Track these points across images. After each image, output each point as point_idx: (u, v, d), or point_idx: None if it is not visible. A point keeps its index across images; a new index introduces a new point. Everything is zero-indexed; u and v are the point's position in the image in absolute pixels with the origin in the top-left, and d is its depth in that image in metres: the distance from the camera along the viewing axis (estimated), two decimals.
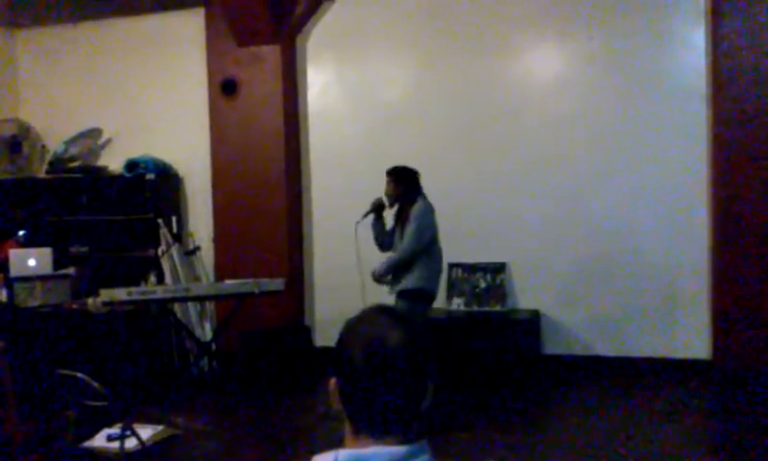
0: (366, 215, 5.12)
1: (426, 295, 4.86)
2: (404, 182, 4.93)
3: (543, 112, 5.90)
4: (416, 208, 4.83)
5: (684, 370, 5.58)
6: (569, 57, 5.90)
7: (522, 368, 5.52)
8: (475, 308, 5.96)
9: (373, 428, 1.28)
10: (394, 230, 5.03)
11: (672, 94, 5.61)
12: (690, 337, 5.62)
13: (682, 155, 5.59)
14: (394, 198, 4.98)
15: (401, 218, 4.93)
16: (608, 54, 5.76)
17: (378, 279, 4.93)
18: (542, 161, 5.91)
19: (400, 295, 4.84)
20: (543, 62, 5.98)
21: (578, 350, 5.88)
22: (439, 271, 4.97)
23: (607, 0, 5.74)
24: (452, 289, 6.05)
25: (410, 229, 4.79)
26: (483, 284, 5.98)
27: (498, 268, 5.96)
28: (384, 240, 5.06)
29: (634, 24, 5.68)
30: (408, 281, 4.80)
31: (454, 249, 6.08)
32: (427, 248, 4.82)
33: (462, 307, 5.99)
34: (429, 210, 4.88)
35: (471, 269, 6.02)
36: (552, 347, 5.92)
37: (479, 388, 5.49)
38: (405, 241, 4.80)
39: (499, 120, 6.01)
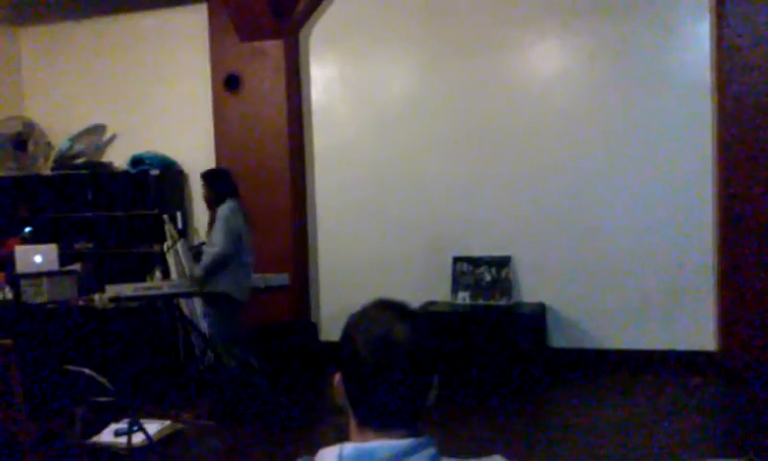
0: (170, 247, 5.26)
1: (233, 301, 4.86)
2: (214, 185, 4.98)
3: (547, 109, 5.89)
4: (221, 208, 4.85)
5: (690, 363, 5.58)
6: (572, 53, 5.88)
7: (528, 362, 5.52)
8: (480, 302, 5.96)
9: (378, 422, 1.28)
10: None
11: (676, 90, 5.58)
12: (695, 330, 5.61)
13: (686, 150, 5.58)
14: (207, 201, 5.04)
15: (210, 221, 4.95)
16: (611, 50, 5.73)
17: (196, 282, 4.91)
18: (546, 157, 5.90)
19: (205, 298, 4.87)
20: (546, 59, 5.96)
21: (584, 343, 5.88)
22: (247, 277, 4.96)
23: None
24: (457, 283, 6.05)
25: (215, 231, 4.80)
26: (488, 278, 5.97)
27: (503, 261, 5.96)
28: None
29: (637, 20, 5.65)
30: (214, 285, 4.81)
31: (459, 243, 6.10)
32: (237, 248, 4.82)
33: (467, 301, 6.00)
34: (236, 211, 4.88)
35: (476, 263, 6.02)
36: (558, 340, 5.92)
37: (484, 382, 5.49)
38: (213, 240, 4.80)
39: (503, 116, 6.00)
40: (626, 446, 4.27)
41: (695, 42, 5.55)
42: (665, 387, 5.31)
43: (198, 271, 4.90)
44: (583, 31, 5.80)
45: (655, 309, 5.69)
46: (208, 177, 5.09)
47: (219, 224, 4.80)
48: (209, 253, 4.81)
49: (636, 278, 5.72)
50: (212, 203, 5.00)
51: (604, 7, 5.73)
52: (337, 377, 1.32)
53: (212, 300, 4.90)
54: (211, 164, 6.55)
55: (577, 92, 5.84)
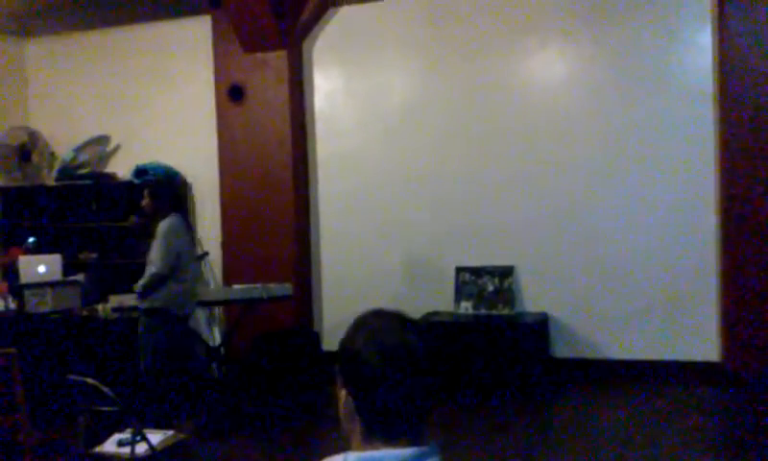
0: None
1: (170, 315, 4.71)
2: (158, 198, 4.79)
3: (549, 115, 5.91)
4: (163, 224, 4.68)
5: (693, 372, 5.57)
6: (574, 59, 5.90)
7: (530, 371, 5.51)
8: (483, 312, 5.96)
9: (388, 432, 1.28)
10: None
11: (678, 95, 5.60)
12: (699, 339, 5.60)
13: (688, 156, 5.58)
14: (147, 213, 4.85)
15: (151, 235, 4.78)
16: (613, 54, 5.76)
17: (139, 299, 4.80)
18: (549, 164, 5.91)
19: (144, 313, 4.73)
20: (548, 65, 5.98)
21: (586, 353, 5.87)
22: (186, 292, 4.80)
23: (611, 1, 5.75)
24: (459, 293, 6.05)
25: (155, 247, 4.66)
26: (491, 288, 5.98)
27: (506, 271, 5.96)
28: None
29: (639, 24, 5.68)
30: (151, 300, 4.69)
31: (462, 253, 6.11)
32: (175, 266, 4.67)
33: (469, 311, 6.00)
34: (177, 228, 4.70)
35: (479, 272, 6.02)
36: (560, 350, 5.91)
37: (487, 391, 5.49)
38: (152, 260, 4.66)
39: (505, 124, 6.02)
40: (627, 457, 4.26)
41: (697, 46, 5.56)
42: (668, 397, 5.30)
43: (137, 289, 4.76)
44: (585, 35, 5.82)
45: (657, 318, 5.69)
46: (152, 188, 4.88)
47: (158, 242, 4.66)
48: (146, 274, 4.68)
49: (639, 286, 5.72)
50: (152, 216, 4.81)
51: (605, 11, 5.76)
52: (343, 394, 1.32)
53: (150, 314, 4.74)
54: (215, 174, 6.59)
55: (579, 97, 5.86)
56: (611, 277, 5.79)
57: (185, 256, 4.78)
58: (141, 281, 4.72)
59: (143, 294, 4.71)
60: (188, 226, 4.97)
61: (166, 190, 4.91)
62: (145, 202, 4.81)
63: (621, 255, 5.76)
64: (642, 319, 5.72)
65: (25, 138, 6.96)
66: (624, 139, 5.74)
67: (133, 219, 4.86)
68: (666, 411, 4.99)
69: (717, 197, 5.52)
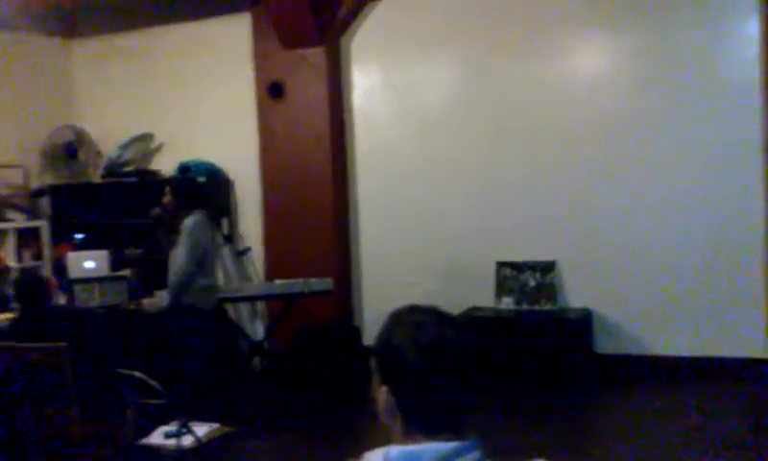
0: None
1: (200, 311, 4.71)
2: (179, 195, 4.75)
3: (591, 110, 5.82)
4: (188, 221, 4.63)
5: (739, 369, 5.44)
6: (616, 53, 5.80)
7: (573, 368, 5.45)
8: (524, 307, 5.91)
9: (429, 426, 1.29)
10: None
11: (724, 87, 5.46)
12: (745, 335, 5.46)
13: (734, 149, 5.45)
14: (169, 210, 4.79)
15: (175, 232, 4.73)
16: (657, 47, 5.64)
17: (162, 308, 4.80)
18: (591, 159, 5.83)
19: (174, 312, 4.71)
20: (590, 60, 5.89)
21: (630, 349, 5.78)
22: (212, 287, 4.83)
23: None
24: (500, 288, 6.01)
25: (182, 244, 4.62)
26: (532, 283, 5.92)
27: (548, 266, 5.90)
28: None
29: (683, 18, 5.55)
30: (181, 297, 4.69)
31: (503, 247, 6.07)
32: (202, 262, 4.66)
33: (510, 306, 5.95)
34: (201, 224, 4.68)
35: (520, 267, 5.97)
36: (604, 346, 5.83)
37: (528, 388, 5.45)
38: (179, 259, 4.62)
39: (546, 118, 5.95)
40: (673, 453, 4.18)
41: (743, 40, 5.42)
42: (713, 393, 5.19)
43: (166, 298, 4.80)
44: (627, 30, 5.72)
45: (703, 313, 5.56)
46: (174, 185, 4.88)
47: (183, 238, 4.64)
48: (171, 280, 4.70)
49: (684, 281, 5.60)
50: (174, 213, 4.78)
51: (648, 5, 5.64)
52: (383, 390, 1.32)
53: (180, 312, 4.76)
54: (256, 171, 6.66)
55: (621, 93, 5.75)
56: (655, 271, 5.69)
57: (210, 252, 4.81)
58: (173, 280, 4.69)
59: (175, 298, 4.73)
60: (213, 223, 4.97)
61: (187, 188, 4.91)
62: (167, 199, 4.81)
63: (666, 250, 5.65)
64: (687, 315, 5.61)
65: (72, 137, 7.13)
66: (668, 133, 5.63)
67: (156, 211, 4.86)
68: (712, 408, 4.89)
69: (764, 191, 5.38)
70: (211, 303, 4.88)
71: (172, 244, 4.79)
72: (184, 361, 4.82)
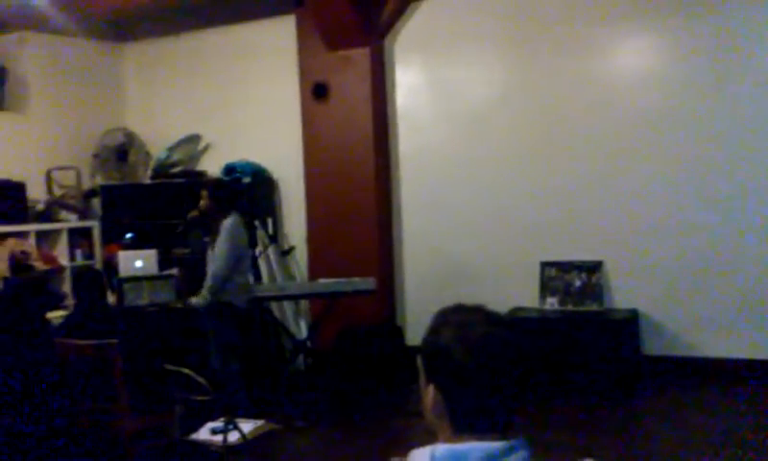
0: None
1: (237, 309, 4.91)
2: (218, 197, 4.96)
3: (636, 109, 5.71)
4: (227, 222, 4.85)
5: None
6: (664, 52, 5.68)
7: (620, 369, 5.36)
8: (569, 308, 5.83)
9: (477, 426, 1.29)
10: (206, 245, 5.07)
11: None
12: None
13: None
14: (207, 212, 4.99)
15: (213, 233, 4.94)
16: (705, 46, 5.48)
17: (204, 303, 4.92)
18: (638, 158, 5.72)
19: (212, 311, 4.87)
20: (636, 58, 5.78)
21: (679, 351, 5.65)
22: (246, 285, 5.06)
23: None
24: (545, 288, 5.95)
25: (221, 244, 4.81)
26: (578, 283, 5.84)
27: (594, 266, 5.82)
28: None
29: (733, 16, 5.39)
30: (219, 295, 4.86)
31: (547, 247, 6.00)
32: (239, 260, 4.88)
33: (555, 307, 5.88)
34: (239, 225, 4.92)
35: (565, 267, 5.90)
36: (652, 347, 5.72)
37: (574, 389, 5.38)
38: (217, 259, 4.82)
39: (592, 116, 5.86)
40: (723, 458, 4.08)
41: None
42: (766, 399, 5.05)
43: (203, 297, 4.97)
44: (675, 28, 5.59)
45: (757, 315, 5.41)
46: (211, 188, 5.08)
47: (223, 238, 4.85)
48: (210, 278, 4.89)
49: (736, 281, 5.46)
50: (211, 216, 5.01)
51: (694, 2, 5.51)
52: (430, 389, 1.32)
53: (217, 311, 4.96)
54: (300, 171, 6.72)
55: (669, 92, 5.63)
56: (703, 272, 5.55)
57: (244, 252, 5.05)
58: (211, 280, 4.91)
59: (213, 296, 4.92)
60: (247, 224, 5.22)
61: (225, 192, 5.14)
62: (204, 202, 5.03)
63: (716, 249, 5.51)
64: (737, 316, 5.46)
65: (122, 139, 7.30)
66: (716, 133, 5.47)
67: (195, 213, 5.10)
68: (764, 413, 4.75)
69: None
70: (245, 300, 5.08)
71: (202, 245, 5.01)
72: (222, 357, 4.94)
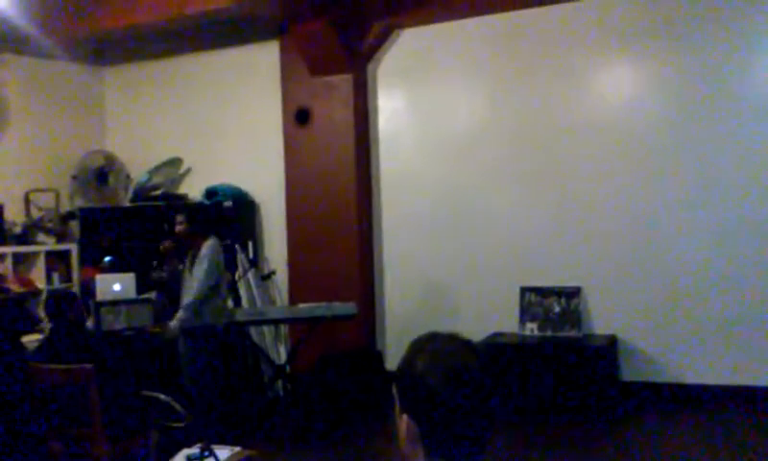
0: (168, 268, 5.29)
1: (214, 331, 4.93)
2: (195, 223, 5.01)
3: (618, 136, 5.79)
4: (206, 245, 4.90)
5: None
6: (646, 80, 5.78)
7: (598, 395, 5.38)
8: (549, 334, 5.86)
9: (451, 454, 1.28)
10: (180, 271, 5.08)
11: (759, 113, 5.38)
12: None
13: (764, 174, 5.37)
14: (184, 236, 5.02)
15: (191, 256, 4.98)
16: (688, 75, 5.58)
17: (180, 329, 4.89)
18: (618, 185, 5.79)
19: (189, 334, 4.86)
20: (617, 87, 5.88)
21: (657, 377, 5.69)
22: (224, 308, 5.11)
23: (684, 15, 5.59)
24: (525, 314, 5.97)
25: (199, 267, 4.85)
26: (557, 309, 5.88)
27: (573, 292, 5.86)
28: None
29: (716, 43, 5.50)
30: (199, 318, 4.86)
31: (527, 272, 6.03)
32: (218, 283, 4.94)
33: (535, 332, 5.90)
34: (218, 248, 4.97)
35: (544, 293, 5.93)
36: (630, 373, 5.75)
37: (554, 415, 5.38)
38: (196, 281, 4.84)
39: (572, 145, 5.94)
40: None
41: None
42: (744, 424, 5.08)
43: (178, 319, 4.91)
44: (657, 56, 5.68)
45: (734, 341, 5.47)
46: (189, 213, 5.11)
47: (204, 261, 4.86)
48: (188, 301, 4.87)
49: (714, 308, 5.51)
50: (187, 241, 5.02)
51: (679, 30, 5.60)
52: (404, 418, 1.32)
53: (194, 333, 4.92)
54: (282, 195, 6.72)
55: (650, 121, 5.72)
56: (682, 298, 5.61)
57: (222, 275, 5.08)
58: (189, 301, 4.86)
59: (191, 317, 4.87)
60: (226, 247, 5.31)
61: (201, 215, 5.22)
62: (181, 227, 5.03)
63: (693, 276, 5.58)
64: (716, 342, 5.51)
65: (102, 162, 7.26)
66: (700, 159, 5.56)
67: (167, 244, 5.11)
68: (741, 439, 4.78)
69: None
70: (222, 323, 5.09)
71: (177, 271, 5.07)
72: (199, 378, 4.90)
